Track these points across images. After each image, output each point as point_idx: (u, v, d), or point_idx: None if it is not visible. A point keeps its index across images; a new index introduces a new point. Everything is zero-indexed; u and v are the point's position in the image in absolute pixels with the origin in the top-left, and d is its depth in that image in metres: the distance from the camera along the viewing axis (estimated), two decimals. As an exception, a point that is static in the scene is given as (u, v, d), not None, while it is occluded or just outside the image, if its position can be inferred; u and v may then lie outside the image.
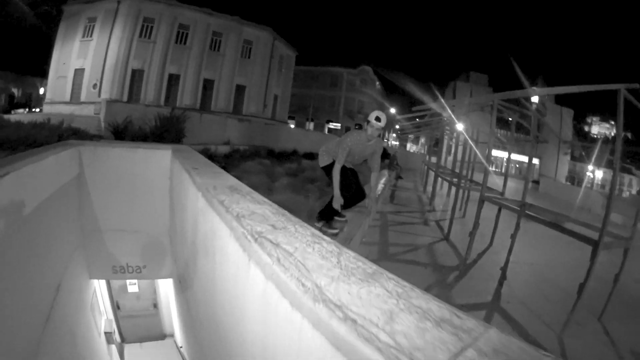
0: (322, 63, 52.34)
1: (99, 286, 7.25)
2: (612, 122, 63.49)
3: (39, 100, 33.59)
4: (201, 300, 2.78)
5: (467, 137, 12.55)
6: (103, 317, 7.37)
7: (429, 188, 15.71)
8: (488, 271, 7.02)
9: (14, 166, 2.54)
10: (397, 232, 9.14)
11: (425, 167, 16.95)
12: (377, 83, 56.03)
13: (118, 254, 5.04)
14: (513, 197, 9.27)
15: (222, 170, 3.30)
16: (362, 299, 1.12)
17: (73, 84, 26.21)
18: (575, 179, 45.36)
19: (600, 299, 5.59)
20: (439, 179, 13.96)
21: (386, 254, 7.25)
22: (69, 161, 4.14)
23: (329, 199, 5.02)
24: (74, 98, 25.76)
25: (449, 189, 10.51)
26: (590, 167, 42.76)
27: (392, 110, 46.11)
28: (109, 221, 4.87)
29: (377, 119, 4.68)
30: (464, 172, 12.10)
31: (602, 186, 47.55)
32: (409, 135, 48.68)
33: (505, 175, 9.59)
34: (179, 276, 4.36)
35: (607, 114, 65.97)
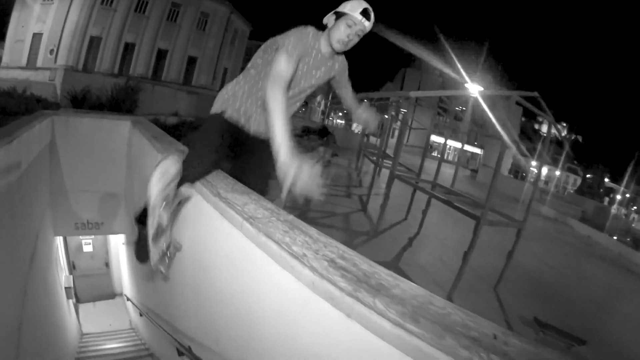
0: (274, 38, 52.51)
1: (60, 244, 7.88)
2: (565, 124, 66.69)
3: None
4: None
5: (405, 123, 13.56)
6: (63, 273, 8.03)
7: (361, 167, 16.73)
8: (397, 240, 7.94)
9: (17, 132, 3.29)
10: (320, 201, 10.13)
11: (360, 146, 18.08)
12: None
13: (80, 212, 5.76)
14: (444, 182, 10.16)
15: (174, 139, 3.95)
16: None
17: (30, 49, 25.53)
18: (519, 172, 47.81)
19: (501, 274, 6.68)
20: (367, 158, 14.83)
21: (306, 218, 7.75)
22: (45, 129, 4.78)
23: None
24: (30, 63, 25.18)
25: (375, 168, 11.46)
26: (534, 163, 45.27)
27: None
28: (74, 183, 5.55)
29: (364, 12, 2.24)
30: (391, 154, 13.13)
31: (546, 182, 50.43)
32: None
33: (423, 157, 10.41)
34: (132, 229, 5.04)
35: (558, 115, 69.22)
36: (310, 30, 2.30)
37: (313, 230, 1.76)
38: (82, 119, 5.46)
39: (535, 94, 6.89)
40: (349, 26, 2.24)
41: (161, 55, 29.82)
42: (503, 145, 6.28)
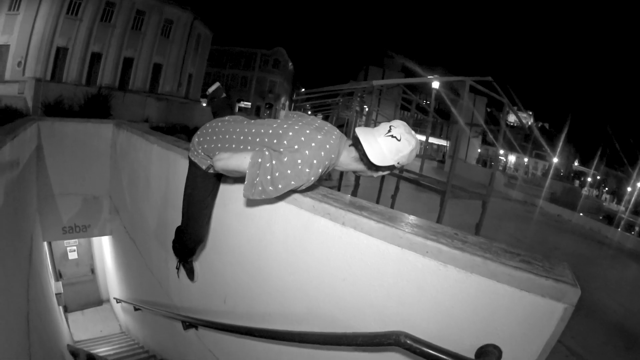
0: (237, 44, 52.66)
1: (46, 251, 7.93)
2: (530, 112, 68.19)
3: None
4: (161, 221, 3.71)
5: (370, 116, 13.96)
6: (52, 279, 8.09)
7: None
8: None
9: (15, 132, 3.45)
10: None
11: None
12: (290, 64, 56.89)
13: (67, 215, 5.89)
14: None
15: (162, 133, 4.14)
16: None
17: None
18: (486, 161, 48.96)
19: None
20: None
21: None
22: (32, 133, 4.91)
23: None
24: None
25: None
26: (501, 151, 46.56)
27: (303, 90, 47.79)
28: (61, 186, 5.70)
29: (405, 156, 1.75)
30: None
31: (515, 169, 51.80)
32: (320, 115, 50.75)
33: None
34: (123, 222, 5.21)
35: (522, 104, 70.67)
36: (335, 142, 1.83)
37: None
38: (67, 123, 5.60)
39: (489, 78, 7.26)
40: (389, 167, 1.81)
41: (127, 63, 29.70)
42: (463, 132, 6.77)
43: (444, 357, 1.17)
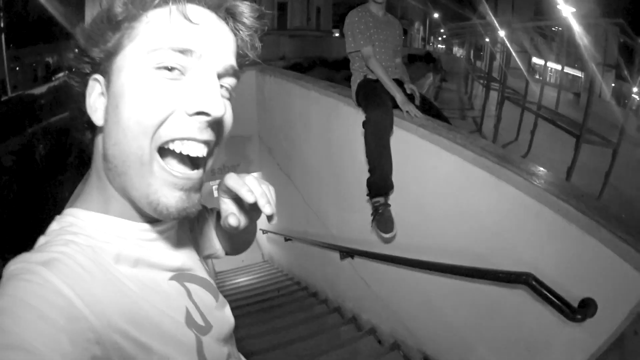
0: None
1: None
2: None
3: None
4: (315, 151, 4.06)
5: (507, 45, 13.27)
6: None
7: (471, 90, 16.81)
8: None
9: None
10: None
11: (467, 71, 17.91)
12: None
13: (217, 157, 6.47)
14: (547, 103, 10.34)
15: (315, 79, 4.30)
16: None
17: None
18: (620, 98, 43.60)
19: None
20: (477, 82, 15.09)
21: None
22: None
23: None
24: None
25: (485, 91, 11.63)
26: (635, 89, 41.07)
27: (436, 15, 45.35)
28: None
29: None
30: (497, 77, 13.14)
31: None
32: (455, 40, 47.88)
33: (526, 81, 10.58)
34: (276, 160, 5.53)
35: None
36: (358, 9, 2.80)
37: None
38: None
39: (620, 20, 6.79)
40: None
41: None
42: (595, 69, 6.61)
43: (557, 302, 1.50)
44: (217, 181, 8.32)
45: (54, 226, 0.61)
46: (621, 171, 6.77)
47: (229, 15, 0.63)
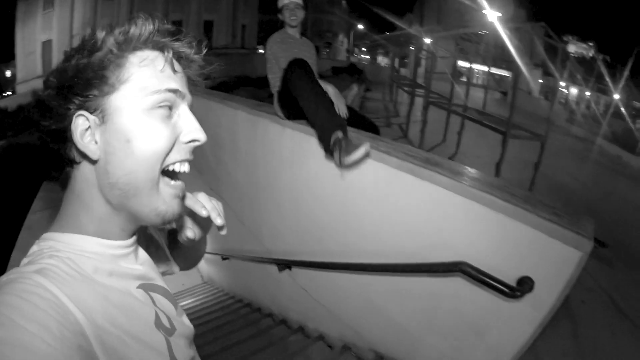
0: (288, -13, 51.61)
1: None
2: (590, 43, 64.17)
3: (7, 84, 32.27)
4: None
5: (432, 51, 13.86)
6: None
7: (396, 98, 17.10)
8: None
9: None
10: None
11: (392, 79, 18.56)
12: (344, 2, 55.53)
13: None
14: (474, 105, 10.90)
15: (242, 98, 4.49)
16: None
17: (43, 58, 25.59)
18: (548, 93, 46.47)
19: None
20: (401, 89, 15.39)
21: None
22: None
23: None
24: (46, 70, 24.87)
25: (410, 97, 12.08)
26: (562, 84, 43.69)
27: (360, 27, 46.68)
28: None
29: None
30: (422, 83, 13.53)
31: (577, 102, 48.93)
32: (379, 50, 48.96)
33: (452, 83, 10.91)
34: (207, 181, 5.38)
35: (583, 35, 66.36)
36: (277, 32, 3.17)
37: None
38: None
39: (542, 24, 7.35)
40: (285, 8, 3.07)
41: (176, 26, 29.95)
42: (520, 68, 6.91)
43: (494, 283, 1.67)
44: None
45: (34, 248, 0.67)
46: (552, 160, 7.21)
47: (180, 57, 0.75)
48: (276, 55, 2.97)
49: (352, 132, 2.62)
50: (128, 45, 0.67)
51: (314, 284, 3.34)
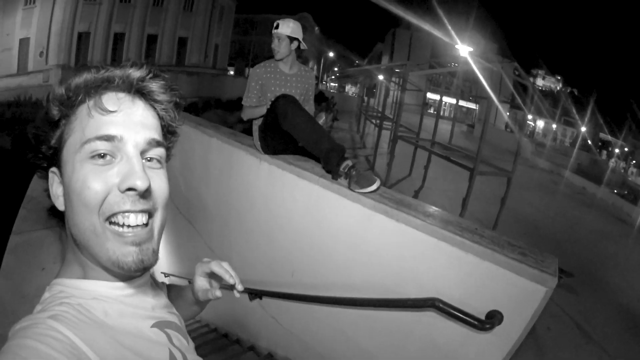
0: (261, 10, 52.03)
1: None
2: (558, 77, 66.27)
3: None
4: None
5: (394, 85, 14.06)
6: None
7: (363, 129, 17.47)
8: (404, 193, 8.50)
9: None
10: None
11: (360, 110, 18.73)
12: (317, 29, 56.20)
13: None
14: (442, 138, 11.02)
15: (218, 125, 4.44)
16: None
17: (19, 55, 25.19)
18: (515, 126, 47.52)
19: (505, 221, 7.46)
20: (369, 121, 15.72)
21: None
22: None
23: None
24: (21, 69, 24.66)
25: (377, 129, 12.22)
26: (529, 117, 44.75)
27: (331, 54, 47.17)
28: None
29: (276, 26, 3.13)
30: (389, 115, 13.93)
31: (544, 135, 50.28)
32: (348, 78, 49.46)
33: (421, 116, 11.19)
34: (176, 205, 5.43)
35: (551, 69, 68.51)
36: (265, 61, 3.23)
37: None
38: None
39: (514, 64, 7.55)
40: (274, 39, 3.16)
41: (151, 40, 29.68)
42: (491, 103, 7.03)
43: (465, 317, 1.77)
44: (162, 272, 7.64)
45: (46, 295, 0.70)
46: (518, 192, 7.38)
47: (141, 95, 0.74)
48: (256, 88, 3.10)
49: (327, 177, 2.72)
50: (74, 99, 0.69)
51: (284, 314, 3.36)
